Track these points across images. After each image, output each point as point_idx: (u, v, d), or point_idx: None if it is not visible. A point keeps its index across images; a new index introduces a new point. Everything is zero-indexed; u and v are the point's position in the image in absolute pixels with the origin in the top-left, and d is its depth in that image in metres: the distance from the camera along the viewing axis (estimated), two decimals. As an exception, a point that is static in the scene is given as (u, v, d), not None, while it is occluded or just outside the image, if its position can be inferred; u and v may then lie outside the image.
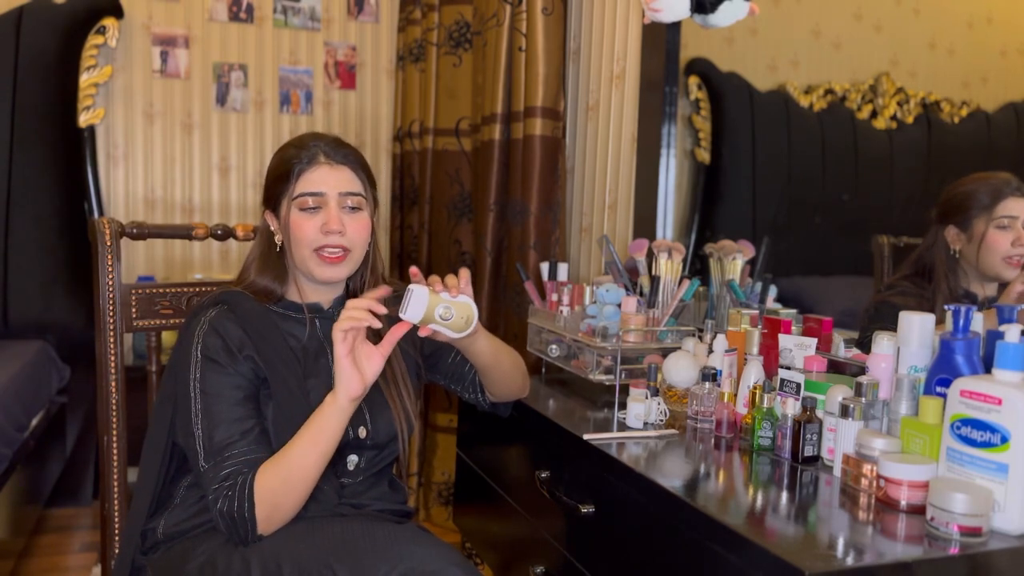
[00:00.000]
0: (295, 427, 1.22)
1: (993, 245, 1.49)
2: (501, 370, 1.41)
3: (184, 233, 1.54)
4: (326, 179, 1.28)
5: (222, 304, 1.28)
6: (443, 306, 1.22)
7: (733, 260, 1.81)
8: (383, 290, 1.20)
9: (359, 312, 1.16)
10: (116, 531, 1.46)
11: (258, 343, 1.25)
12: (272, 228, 1.33)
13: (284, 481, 1.17)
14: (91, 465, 2.94)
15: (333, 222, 1.26)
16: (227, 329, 1.24)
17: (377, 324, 1.16)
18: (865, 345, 1.50)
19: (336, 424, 1.18)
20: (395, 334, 1.20)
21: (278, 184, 1.30)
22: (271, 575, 1.12)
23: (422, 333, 1.23)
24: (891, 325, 1.28)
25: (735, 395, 1.43)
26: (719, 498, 1.15)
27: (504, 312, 2.56)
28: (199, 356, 1.23)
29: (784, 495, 1.17)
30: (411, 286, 1.20)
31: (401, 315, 1.19)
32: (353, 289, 1.39)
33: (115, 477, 1.47)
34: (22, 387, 2.39)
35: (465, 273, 1.26)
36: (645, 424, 1.44)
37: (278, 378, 1.24)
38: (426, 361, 1.48)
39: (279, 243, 1.32)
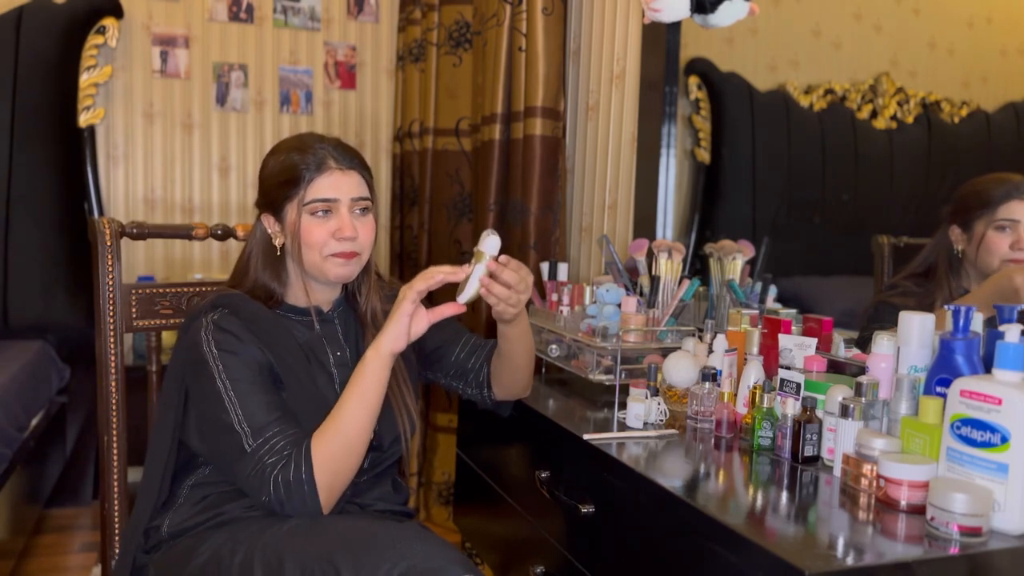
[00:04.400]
0: (310, 416, 1.23)
1: (992, 247, 1.48)
2: (525, 358, 1.42)
3: (184, 233, 1.54)
4: (338, 185, 1.28)
5: (221, 308, 1.28)
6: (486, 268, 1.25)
7: (733, 260, 1.81)
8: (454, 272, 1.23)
9: (435, 272, 1.21)
10: (116, 531, 1.46)
11: (264, 339, 1.25)
12: (271, 231, 1.33)
13: (342, 443, 1.18)
14: (91, 465, 2.94)
15: (347, 229, 1.27)
16: (231, 325, 1.25)
17: (451, 278, 1.22)
18: (865, 345, 1.50)
19: (381, 376, 1.22)
20: (444, 310, 1.24)
21: (284, 188, 1.29)
22: (273, 572, 1.12)
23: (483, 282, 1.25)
24: (891, 325, 1.28)
25: (735, 395, 1.43)
26: (719, 498, 1.15)
27: (504, 312, 2.56)
28: (215, 351, 1.22)
29: (784, 495, 1.17)
30: (491, 230, 1.23)
31: (482, 248, 1.23)
32: (351, 289, 1.39)
33: (115, 477, 1.47)
34: (22, 387, 2.39)
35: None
36: (645, 424, 1.44)
37: (288, 370, 1.25)
38: (428, 358, 1.47)
39: (279, 246, 1.32)
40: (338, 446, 1.18)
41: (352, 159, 1.30)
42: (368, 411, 1.21)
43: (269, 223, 1.33)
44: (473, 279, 1.23)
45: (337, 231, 1.27)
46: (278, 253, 1.33)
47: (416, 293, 1.20)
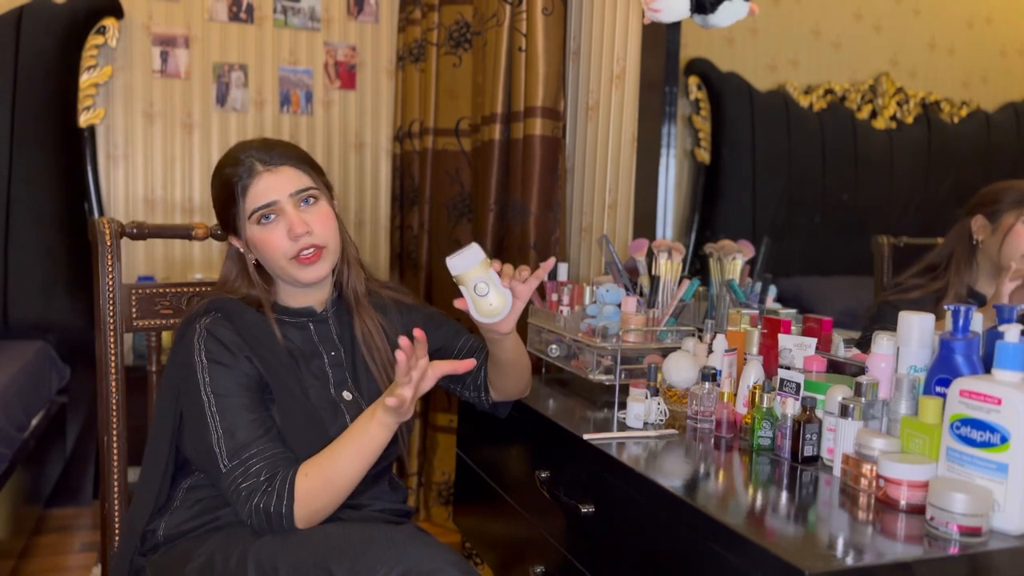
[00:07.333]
0: (300, 428, 1.22)
1: (1017, 238, 1.49)
2: (518, 368, 1.42)
3: (184, 233, 1.54)
4: (272, 186, 1.25)
5: (214, 312, 1.28)
6: (484, 281, 1.20)
7: (733, 260, 1.81)
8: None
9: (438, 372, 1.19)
10: (116, 531, 1.46)
11: (254, 347, 1.25)
12: (242, 250, 1.32)
13: (327, 485, 1.17)
14: (91, 465, 2.94)
15: (297, 225, 1.25)
16: (223, 334, 1.24)
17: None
18: (867, 345, 1.50)
19: (386, 439, 1.20)
20: (458, 367, 1.21)
21: (228, 207, 1.28)
22: (266, 576, 1.12)
23: (457, 304, 1.23)
24: (894, 325, 1.28)
25: (735, 395, 1.43)
26: (719, 498, 1.15)
27: (504, 312, 2.56)
28: (204, 361, 1.22)
29: (784, 495, 1.17)
30: (474, 243, 1.19)
31: (448, 259, 1.18)
32: (340, 283, 1.38)
33: (115, 477, 1.47)
34: (22, 387, 2.39)
35: (525, 271, 1.26)
36: (645, 424, 1.44)
37: (279, 381, 1.24)
38: None
39: (253, 261, 1.32)
40: (323, 489, 1.17)
41: (281, 155, 1.28)
42: (363, 466, 1.20)
43: (236, 243, 1.32)
44: (492, 291, 1.19)
45: (289, 231, 1.25)
46: (255, 265, 1.32)
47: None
